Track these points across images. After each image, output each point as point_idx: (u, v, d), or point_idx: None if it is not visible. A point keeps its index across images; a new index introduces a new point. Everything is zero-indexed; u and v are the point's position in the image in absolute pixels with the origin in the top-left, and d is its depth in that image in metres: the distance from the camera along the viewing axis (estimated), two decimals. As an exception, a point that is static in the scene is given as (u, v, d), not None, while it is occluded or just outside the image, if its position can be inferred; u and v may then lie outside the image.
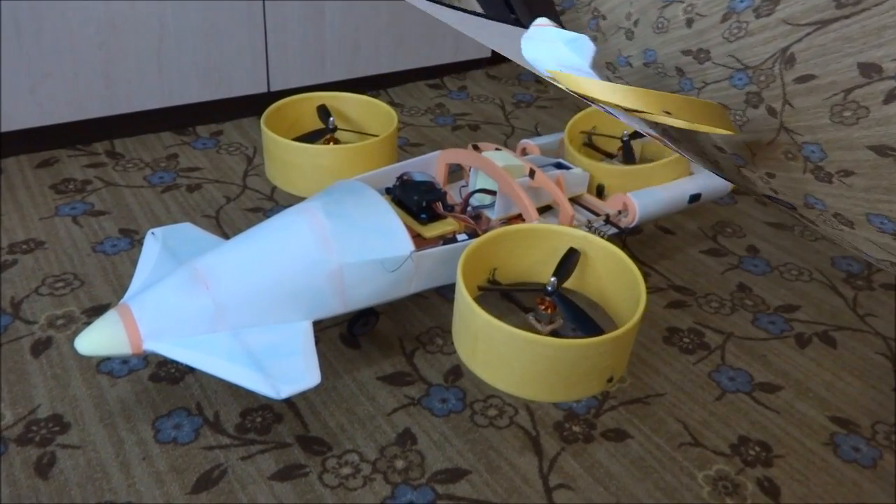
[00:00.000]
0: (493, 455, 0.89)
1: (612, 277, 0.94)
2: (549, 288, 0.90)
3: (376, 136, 1.17)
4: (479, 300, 0.91)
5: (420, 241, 1.00)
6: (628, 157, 1.24)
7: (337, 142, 1.22)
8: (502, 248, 0.95)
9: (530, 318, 0.94)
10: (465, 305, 0.83)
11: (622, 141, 1.24)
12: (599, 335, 0.81)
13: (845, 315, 1.19)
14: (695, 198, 1.18)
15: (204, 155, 1.51)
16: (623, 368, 0.83)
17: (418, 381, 0.99)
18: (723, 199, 1.50)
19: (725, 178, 0.95)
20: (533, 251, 0.97)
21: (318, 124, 1.23)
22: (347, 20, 1.69)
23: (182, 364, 0.93)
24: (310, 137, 1.20)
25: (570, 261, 0.93)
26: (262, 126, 1.15)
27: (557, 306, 0.92)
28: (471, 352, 0.86)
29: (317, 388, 0.96)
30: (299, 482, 0.84)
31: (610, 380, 0.82)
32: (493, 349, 0.82)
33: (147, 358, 0.99)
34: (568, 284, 0.95)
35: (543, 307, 0.94)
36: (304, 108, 1.24)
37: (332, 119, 1.21)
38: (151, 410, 0.92)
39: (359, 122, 1.29)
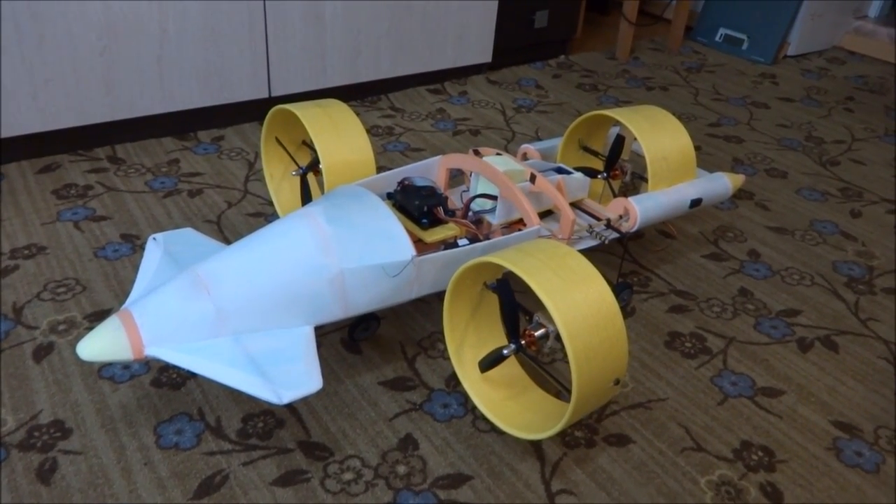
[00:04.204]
0: (495, 460, 0.89)
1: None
2: (506, 352, 0.87)
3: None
4: (482, 296, 0.92)
5: (421, 246, 0.99)
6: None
7: (319, 172, 1.15)
8: (481, 273, 0.93)
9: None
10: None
11: (604, 178, 1.22)
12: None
13: (847, 319, 1.19)
14: (696, 202, 1.18)
15: (205, 160, 1.51)
16: (624, 369, 0.83)
17: (420, 386, 0.99)
18: (724, 203, 1.50)
19: None
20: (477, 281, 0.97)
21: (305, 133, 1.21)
22: (348, 26, 1.69)
23: (184, 369, 0.94)
24: (305, 190, 1.18)
25: (507, 305, 0.89)
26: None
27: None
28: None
29: (318, 394, 0.96)
30: (301, 488, 0.84)
31: (616, 382, 0.82)
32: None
33: (149, 363, 0.99)
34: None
35: (533, 350, 0.90)
36: (291, 133, 1.23)
37: (302, 168, 1.18)
38: (153, 416, 0.92)
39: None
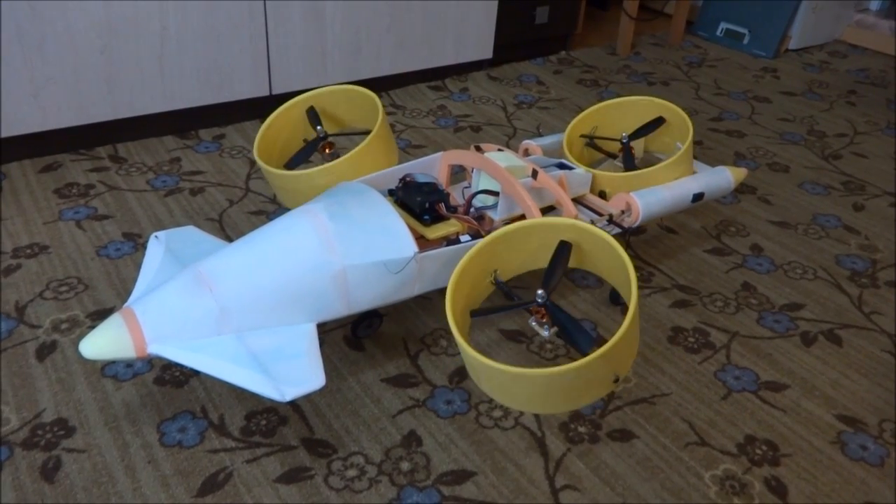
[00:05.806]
0: (499, 456, 0.89)
1: (608, 265, 0.92)
2: (539, 300, 0.87)
3: (367, 131, 1.15)
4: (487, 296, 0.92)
5: (423, 243, 0.99)
6: (628, 160, 1.23)
7: (332, 146, 1.19)
8: (496, 251, 0.93)
9: (533, 323, 0.92)
10: (460, 345, 0.84)
11: (622, 143, 1.24)
12: (592, 346, 0.81)
13: (850, 313, 1.18)
14: (698, 197, 1.18)
15: (206, 158, 1.51)
16: (628, 368, 0.83)
17: (423, 383, 0.99)
18: (726, 198, 1.49)
19: None
20: (528, 243, 0.95)
21: (310, 129, 1.21)
22: (348, 23, 1.69)
23: (187, 367, 0.94)
24: (306, 151, 1.18)
25: (558, 263, 0.89)
26: (257, 158, 1.14)
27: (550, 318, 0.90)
28: (476, 378, 0.88)
29: (321, 391, 0.96)
30: (305, 485, 0.84)
31: (616, 380, 0.82)
32: (493, 379, 0.83)
33: (151, 361, 0.99)
34: (570, 264, 0.93)
35: (539, 316, 0.90)
36: (292, 116, 1.21)
37: (320, 128, 1.18)
38: (156, 414, 0.92)
39: (346, 115, 1.26)
